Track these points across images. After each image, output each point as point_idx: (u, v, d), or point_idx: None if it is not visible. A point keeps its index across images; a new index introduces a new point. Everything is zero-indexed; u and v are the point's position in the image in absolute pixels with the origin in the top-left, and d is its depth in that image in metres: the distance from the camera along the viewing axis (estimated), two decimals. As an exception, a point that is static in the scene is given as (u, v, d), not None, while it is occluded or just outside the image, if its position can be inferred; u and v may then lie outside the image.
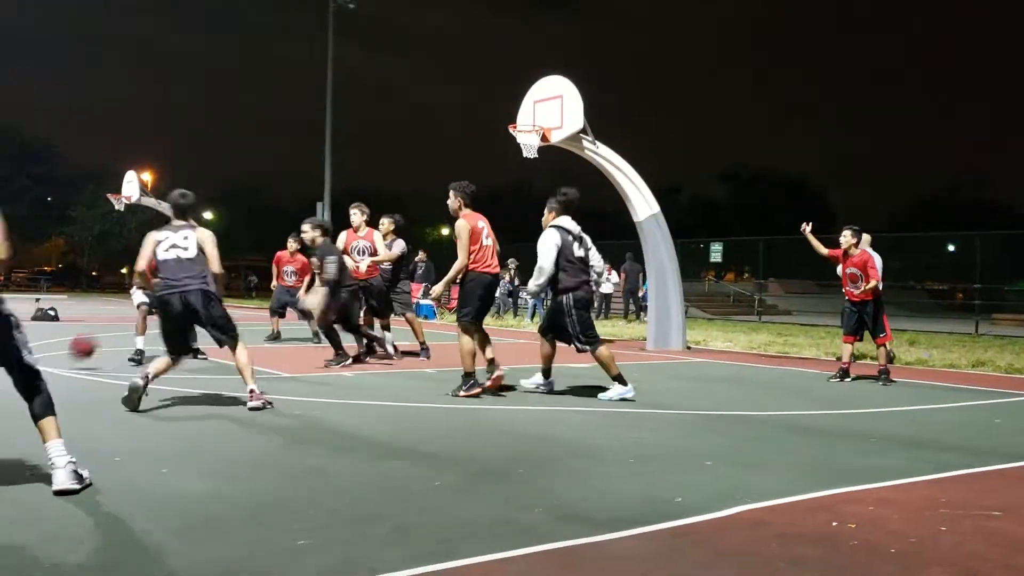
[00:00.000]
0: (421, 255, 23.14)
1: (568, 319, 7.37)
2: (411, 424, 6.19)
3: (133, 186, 27.35)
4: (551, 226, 7.48)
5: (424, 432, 5.89)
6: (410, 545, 3.36)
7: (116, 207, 27.52)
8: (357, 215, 9.86)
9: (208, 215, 39.67)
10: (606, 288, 23.30)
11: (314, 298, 9.56)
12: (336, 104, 29.78)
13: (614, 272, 23.45)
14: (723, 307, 28.70)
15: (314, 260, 9.62)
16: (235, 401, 6.81)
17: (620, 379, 7.37)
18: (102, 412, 6.24)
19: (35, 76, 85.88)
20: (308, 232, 9.41)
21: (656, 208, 13.41)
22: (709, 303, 28.58)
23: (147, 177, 28.58)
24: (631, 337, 15.71)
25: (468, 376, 7.35)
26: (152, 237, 6.58)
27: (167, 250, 6.41)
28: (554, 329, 7.59)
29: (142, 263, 6.71)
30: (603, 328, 18.31)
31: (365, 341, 9.91)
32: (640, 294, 21.90)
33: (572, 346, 7.48)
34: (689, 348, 13.37)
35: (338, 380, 8.45)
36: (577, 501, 4.08)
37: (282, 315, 13.36)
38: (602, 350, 7.38)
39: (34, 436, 4.15)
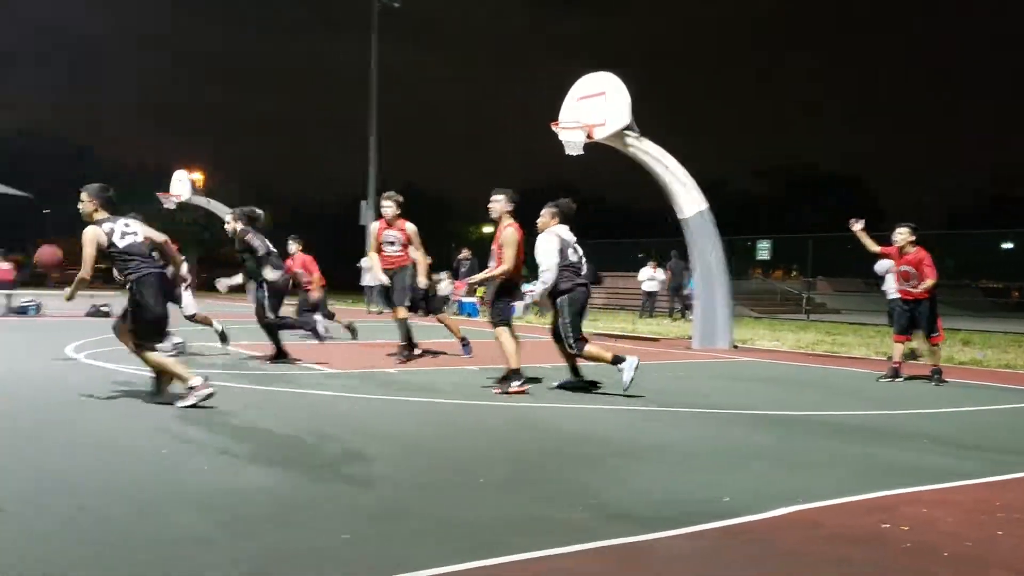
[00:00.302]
0: (465, 252, 23.21)
1: (562, 321, 7.46)
2: (454, 421, 6.21)
3: (183, 185, 27.76)
4: (549, 232, 7.56)
5: (467, 429, 5.91)
6: (453, 541, 3.36)
7: (166, 205, 27.99)
8: (392, 207, 9.80)
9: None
10: (651, 286, 23.15)
11: (225, 282, 9.45)
12: (379, 101, 29.97)
13: (659, 269, 23.29)
14: (770, 305, 28.34)
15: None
16: (275, 395, 6.90)
17: (618, 359, 7.35)
18: (145, 406, 6.34)
19: (77, 78, 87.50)
20: (230, 223, 9.24)
21: (704, 204, 13.27)
22: (756, 301, 28.24)
23: (197, 176, 28.99)
24: (676, 336, 15.58)
25: (514, 373, 7.37)
26: None
27: None
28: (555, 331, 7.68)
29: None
30: (648, 327, 18.26)
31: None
32: (685, 292, 21.72)
33: (564, 346, 7.52)
34: (736, 347, 13.23)
35: (384, 376, 8.49)
36: (622, 499, 4.05)
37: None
38: (588, 348, 7.45)
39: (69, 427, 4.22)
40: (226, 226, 9.36)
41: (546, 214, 7.67)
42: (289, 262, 13.03)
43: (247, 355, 9.74)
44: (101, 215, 6.33)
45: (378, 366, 9.23)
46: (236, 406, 6.42)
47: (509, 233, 7.57)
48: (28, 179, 41.27)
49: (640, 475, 4.60)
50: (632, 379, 7.24)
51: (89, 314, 16.83)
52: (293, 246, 13.02)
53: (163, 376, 6.43)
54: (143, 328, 6.33)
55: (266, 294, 9.04)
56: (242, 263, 9.21)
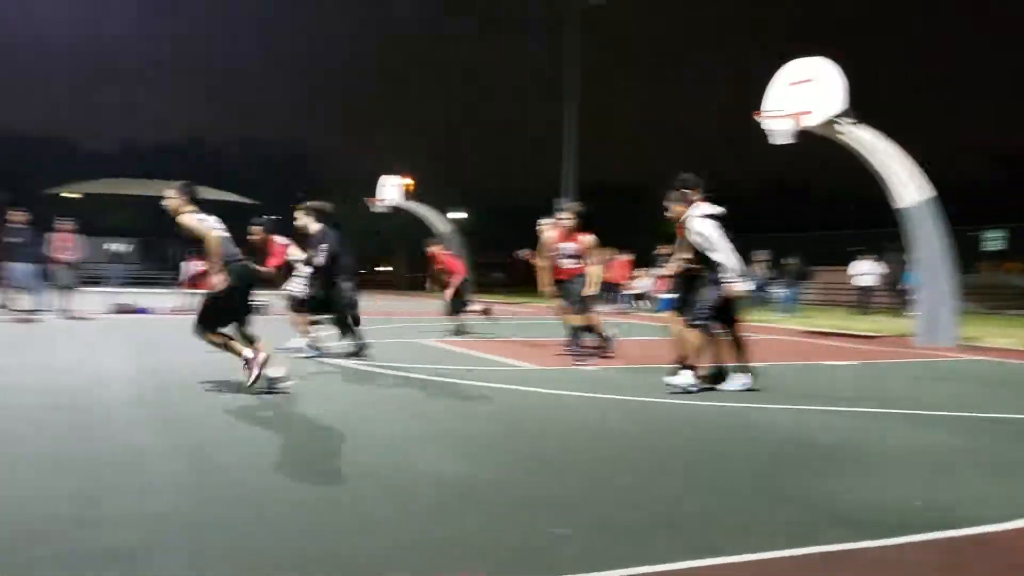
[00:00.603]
0: (664, 248, 22.87)
1: (701, 299, 6.91)
2: (655, 419, 6.13)
3: (392, 190, 29.07)
4: (700, 213, 6.97)
5: (672, 428, 5.82)
6: (678, 539, 3.32)
7: (373, 209, 29.48)
8: (571, 219, 9.74)
9: (461, 215, 41.41)
10: (867, 280, 21.90)
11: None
12: (575, 99, 30.11)
13: (879, 263, 22.01)
14: (1003, 300, 26.07)
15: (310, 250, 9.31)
16: (471, 389, 7.08)
17: (688, 366, 6.96)
18: (340, 397, 6.68)
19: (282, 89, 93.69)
20: (300, 218, 9.30)
21: (928, 193, 12.39)
22: (986, 296, 26.07)
23: (407, 181, 30.32)
24: (897, 333, 14.64)
25: (703, 370, 7.12)
26: None
27: None
28: (683, 304, 7.13)
29: None
30: (865, 324, 17.26)
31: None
32: (901, 287, 20.38)
33: (684, 318, 7.03)
34: (962, 345, 12.26)
35: (580, 374, 8.50)
36: (842, 503, 3.85)
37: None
38: (693, 333, 6.93)
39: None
40: (295, 222, 9.47)
41: (675, 196, 7.13)
42: (443, 260, 13.62)
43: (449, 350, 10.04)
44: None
45: (572, 365, 9.14)
46: (434, 394, 6.64)
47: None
48: (251, 186, 44.90)
49: (860, 478, 4.36)
50: (679, 387, 6.88)
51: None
52: (435, 248, 13.87)
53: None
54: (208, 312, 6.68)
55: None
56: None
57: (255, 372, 6.48)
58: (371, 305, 14.11)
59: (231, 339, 6.65)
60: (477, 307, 14.00)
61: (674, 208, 7.12)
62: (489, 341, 11.90)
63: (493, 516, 3.61)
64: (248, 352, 6.55)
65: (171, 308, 17.53)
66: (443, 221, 30.98)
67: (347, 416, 5.87)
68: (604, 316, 10.33)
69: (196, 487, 3.93)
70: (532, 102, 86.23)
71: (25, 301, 13.83)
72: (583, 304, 9.66)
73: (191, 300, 18.08)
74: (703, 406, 6.55)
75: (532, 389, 7.16)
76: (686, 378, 6.95)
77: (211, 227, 6.62)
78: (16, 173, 40.96)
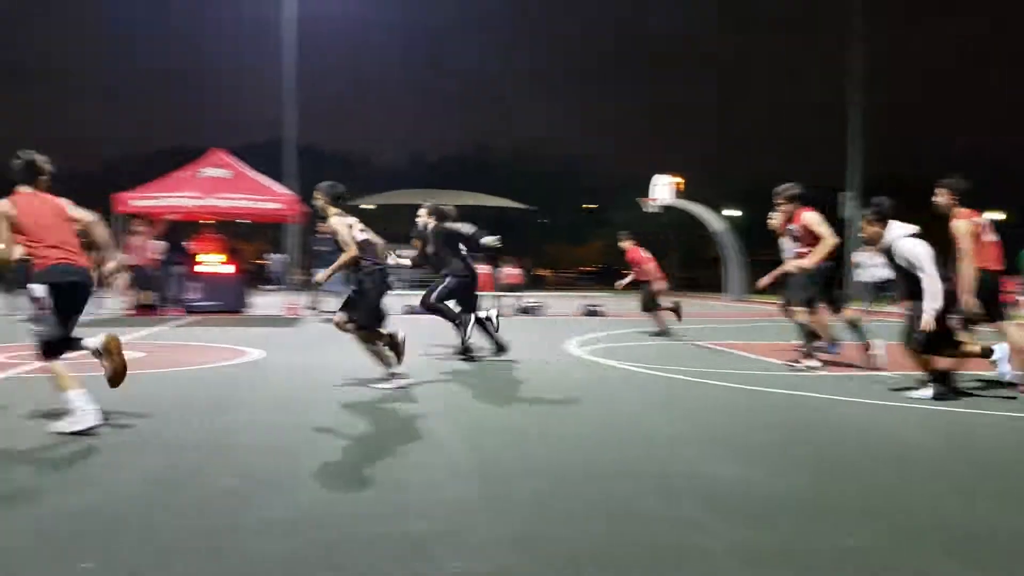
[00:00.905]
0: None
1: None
2: (947, 430, 5.66)
3: (663, 189, 29.02)
4: (910, 236, 6.58)
5: (972, 439, 5.34)
6: (974, 559, 3.06)
7: (646, 210, 29.49)
8: (784, 204, 8.90)
9: (736, 212, 40.34)
10: None
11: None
12: (861, 88, 28.39)
13: None
14: None
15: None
16: (740, 391, 6.86)
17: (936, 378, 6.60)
18: (646, 400, 6.72)
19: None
20: (422, 216, 9.25)
21: None
22: None
23: (677, 180, 30.10)
24: None
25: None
26: None
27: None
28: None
29: None
30: None
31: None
32: None
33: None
34: None
35: (869, 378, 7.95)
36: None
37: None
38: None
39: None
40: (417, 219, 9.50)
41: (873, 220, 6.73)
42: (633, 256, 13.37)
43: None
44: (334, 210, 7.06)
45: (864, 369, 8.56)
46: (727, 396, 6.52)
47: (959, 225, 6.85)
48: (522, 192, 46.63)
49: None
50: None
51: (584, 314, 18.37)
52: (626, 243, 13.49)
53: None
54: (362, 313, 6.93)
55: (446, 285, 9.06)
56: (425, 256, 9.41)
57: (393, 369, 6.94)
58: (633, 307, 14.12)
59: (383, 338, 7.00)
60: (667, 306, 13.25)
61: (869, 231, 6.82)
62: (752, 343, 11.51)
63: (801, 521, 3.51)
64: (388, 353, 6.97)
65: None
66: (717, 219, 30.42)
67: (637, 416, 5.96)
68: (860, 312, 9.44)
69: (482, 475, 4.13)
70: (813, 94, 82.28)
71: (332, 303, 15.25)
72: (808, 297, 8.37)
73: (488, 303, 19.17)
74: (974, 414, 5.97)
75: (806, 394, 6.86)
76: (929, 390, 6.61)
77: (352, 231, 7.00)
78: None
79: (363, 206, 43.17)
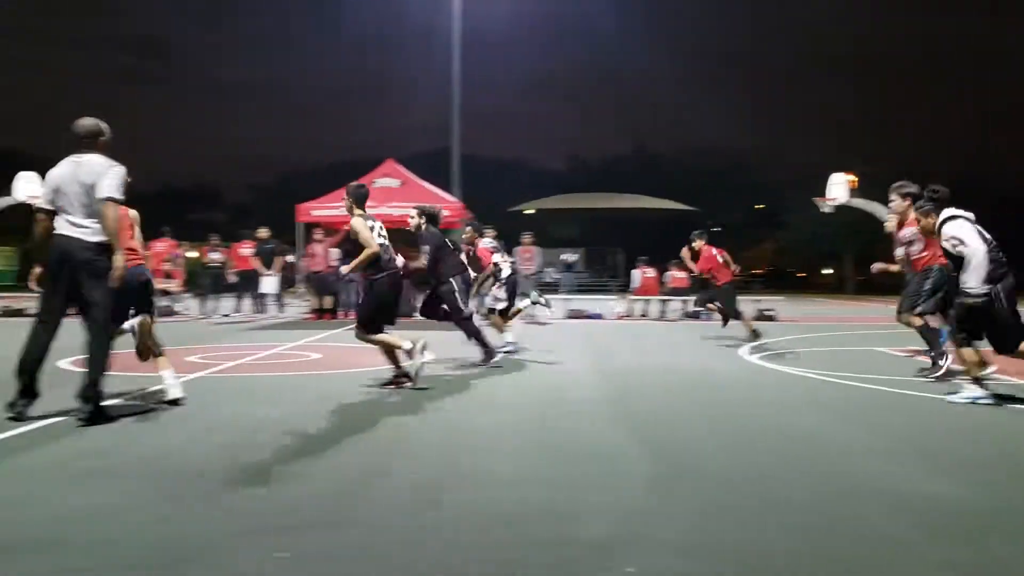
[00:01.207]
0: None
1: (991, 318, 6.12)
2: None
3: (840, 188, 27.77)
4: (953, 217, 6.36)
5: None
6: None
7: (823, 210, 28.25)
8: (896, 200, 8.19)
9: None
10: None
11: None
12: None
13: None
14: None
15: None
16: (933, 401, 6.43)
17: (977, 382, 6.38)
18: (810, 407, 6.43)
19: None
20: (414, 218, 9.06)
21: None
22: None
23: (851, 178, 28.71)
24: None
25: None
26: None
27: None
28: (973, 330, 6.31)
29: None
30: None
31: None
32: None
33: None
34: None
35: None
36: None
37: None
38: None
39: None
40: (410, 220, 9.26)
41: (930, 212, 6.65)
42: (704, 254, 12.79)
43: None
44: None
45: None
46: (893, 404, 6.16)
47: None
48: (691, 194, 45.75)
49: None
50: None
51: (756, 318, 17.71)
52: (698, 242, 13.03)
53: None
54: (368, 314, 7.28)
55: (455, 287, 8.95)
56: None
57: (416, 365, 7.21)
58: (806, 311, 13.55)
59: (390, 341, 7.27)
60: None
61: (926, 223, 6.77)
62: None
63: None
64: (407, 344, 7.22)
65: (618, 314, 18.51)
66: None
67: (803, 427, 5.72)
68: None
69: (658, 482, 4.10)
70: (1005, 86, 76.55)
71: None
72: (923, 301, 7.79)
73: (640, 307, 18.97)
74: None
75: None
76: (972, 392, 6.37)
77: (374, 234, 7.18)
78: (482, 194, 46.49)
79: (525, 211, 43.59)
